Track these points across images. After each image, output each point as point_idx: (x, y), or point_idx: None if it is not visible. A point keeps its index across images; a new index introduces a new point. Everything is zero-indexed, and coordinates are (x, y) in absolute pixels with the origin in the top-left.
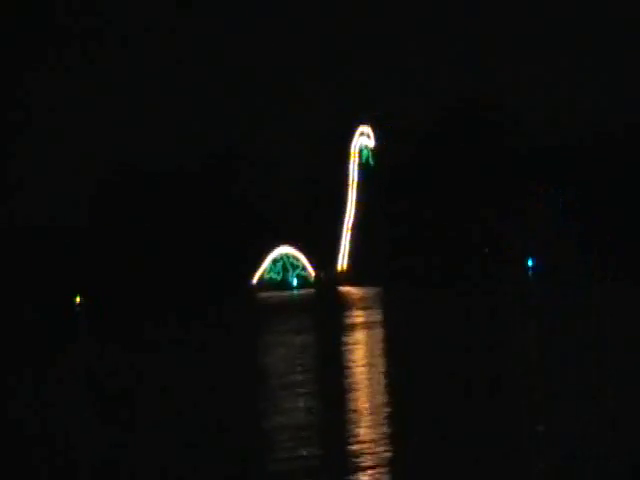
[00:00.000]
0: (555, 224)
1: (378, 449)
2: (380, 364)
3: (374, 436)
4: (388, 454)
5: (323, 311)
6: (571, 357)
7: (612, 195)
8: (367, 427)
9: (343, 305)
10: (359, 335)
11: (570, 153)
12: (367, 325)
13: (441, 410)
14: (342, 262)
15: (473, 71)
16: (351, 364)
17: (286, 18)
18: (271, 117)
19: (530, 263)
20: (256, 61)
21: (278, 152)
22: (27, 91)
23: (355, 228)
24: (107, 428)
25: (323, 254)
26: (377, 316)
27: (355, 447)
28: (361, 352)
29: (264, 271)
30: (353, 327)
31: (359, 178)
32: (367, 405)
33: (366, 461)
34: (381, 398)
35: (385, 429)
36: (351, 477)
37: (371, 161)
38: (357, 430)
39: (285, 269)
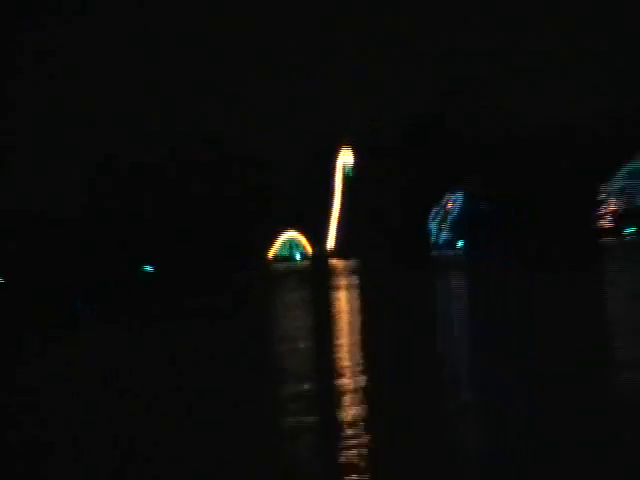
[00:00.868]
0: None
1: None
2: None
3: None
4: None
5: (317, 275)
6: None
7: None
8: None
9: (331, 272)
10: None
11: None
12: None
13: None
14: (331, 242)
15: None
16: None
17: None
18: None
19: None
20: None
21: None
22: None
23: (341, 217)
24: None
25: (317, 236)
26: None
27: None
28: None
29: (277, 249)
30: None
31: (343, 185)
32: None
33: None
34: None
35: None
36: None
37: (351, 174)
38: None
39: (291, 247)
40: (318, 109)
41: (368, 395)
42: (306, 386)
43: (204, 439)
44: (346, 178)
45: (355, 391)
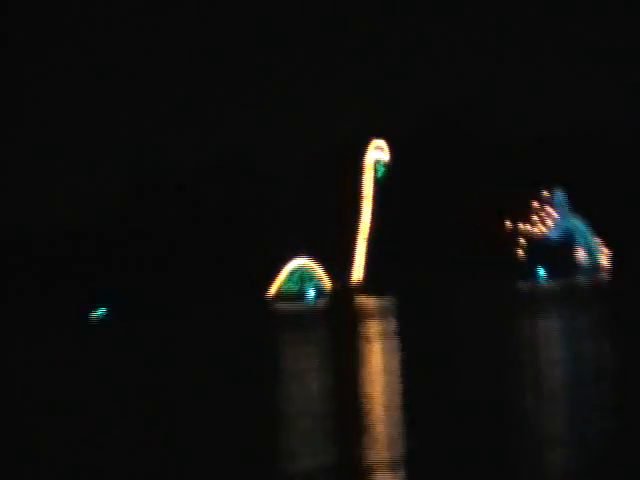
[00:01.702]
0: None
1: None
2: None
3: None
4: None
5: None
6: None
7: None
8: None
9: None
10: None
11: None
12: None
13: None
14: (358, 271)
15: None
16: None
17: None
18: (276, 128)
19: None
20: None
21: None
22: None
23: (371, 239)
24: None
25: (338, 265)
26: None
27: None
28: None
29: (282, 283)
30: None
31: (374, 191)
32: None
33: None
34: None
35: None
36: None
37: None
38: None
39: (302, 280)
40: (329, 111)
41: None
42: None
43: None
44: (378, 180)
45: None
